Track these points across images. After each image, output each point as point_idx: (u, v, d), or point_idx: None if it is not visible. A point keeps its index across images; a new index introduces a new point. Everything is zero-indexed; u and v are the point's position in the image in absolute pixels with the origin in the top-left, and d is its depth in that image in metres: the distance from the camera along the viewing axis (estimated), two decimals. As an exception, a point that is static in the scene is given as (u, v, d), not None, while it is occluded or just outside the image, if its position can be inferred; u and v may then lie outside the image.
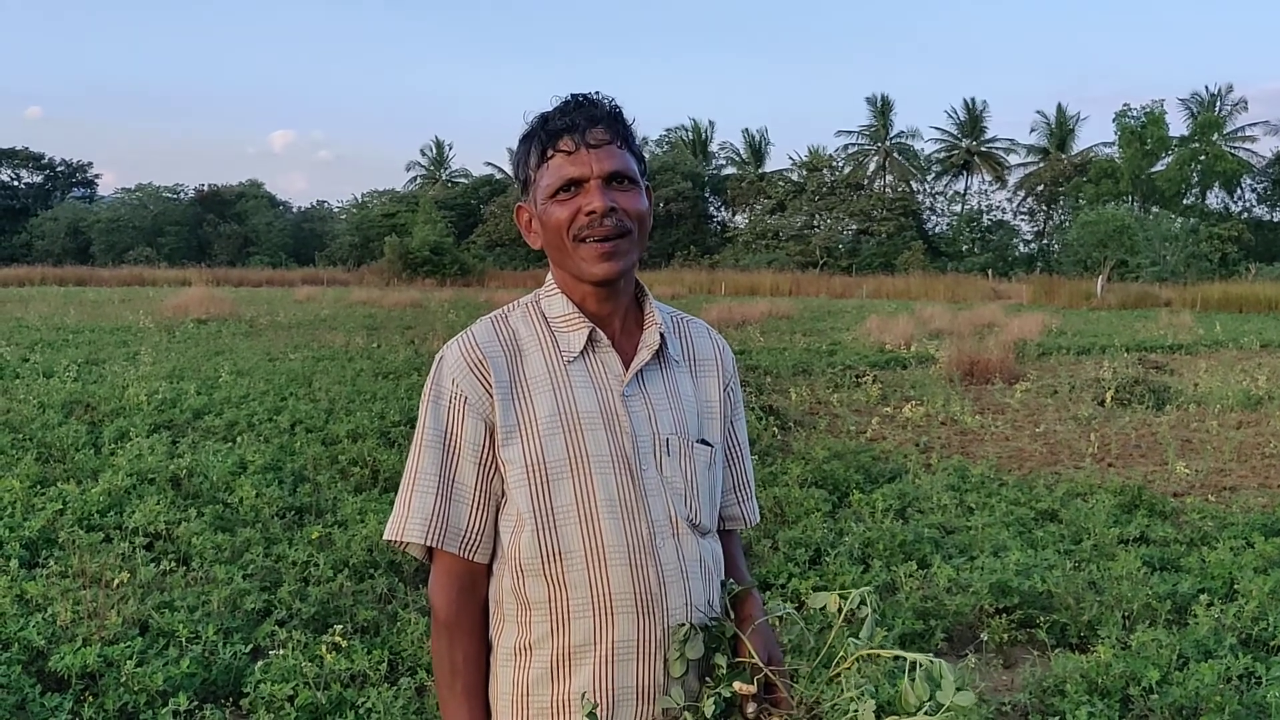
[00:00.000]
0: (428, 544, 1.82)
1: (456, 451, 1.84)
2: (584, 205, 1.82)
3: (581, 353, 1.87)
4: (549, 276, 1.95)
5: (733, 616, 1.88)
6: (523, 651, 1.83)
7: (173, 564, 5.84)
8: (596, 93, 1.90)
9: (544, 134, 1.86)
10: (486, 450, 1.83)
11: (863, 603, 1.73)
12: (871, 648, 1.68)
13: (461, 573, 1.86)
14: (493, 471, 1.84)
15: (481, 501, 1.84)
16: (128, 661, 4.30)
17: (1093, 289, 42.32)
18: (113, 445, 8.98)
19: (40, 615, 4.84)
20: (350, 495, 7.44)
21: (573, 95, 1.89)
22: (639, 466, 1.83)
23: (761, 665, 1.77)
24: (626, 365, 1.89)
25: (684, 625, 1.79)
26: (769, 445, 9.93)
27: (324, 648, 4.40)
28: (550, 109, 1.89)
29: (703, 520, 1.90)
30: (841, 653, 1.70)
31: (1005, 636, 5.27)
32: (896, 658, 1.66)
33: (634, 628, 1.79)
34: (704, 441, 1.94)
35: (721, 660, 1.79)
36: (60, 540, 6.17)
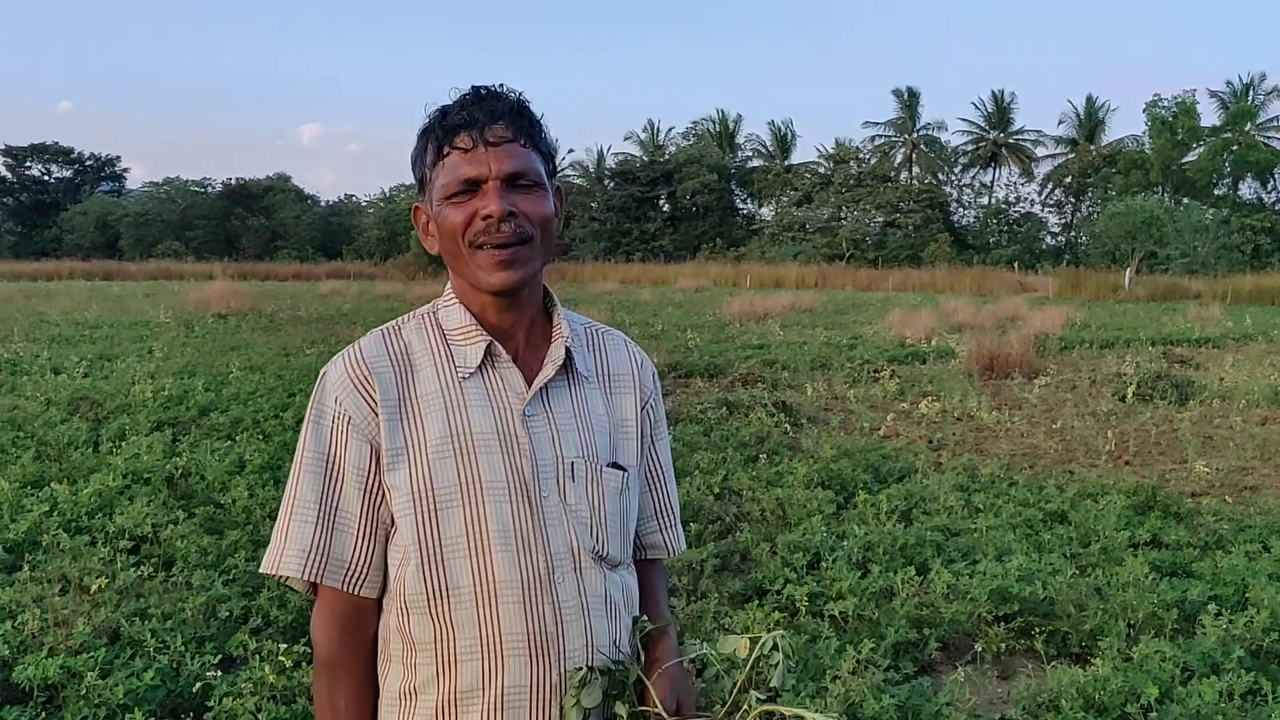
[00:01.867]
0: (306, 578, 1.67)
1: (339, 476, 1.68)
2: (481, 209, 1.66)
3: (479, 368, 1.71)
4: (448, 285, 1.80)
5: (643, 658, 1.72)
6: (408, 696, 1.68)
7: (153, 569, 5.74)
8: (501, 85, 1.74)
9: (440, 130, 1.70)
10: (372, 475, 1.68)
11: (774, 648, 1.57)
12: (770, 703, 1.52)
13: (346, 609, 1.71)
14: (379, 499, 1.69)
15: (367, 531, 1.69)
16: (90, 673, 4.18)
17: (1120, 281, 41.77)
18: (112, 444, 8.90)
19: (10, 623, 4.73)
20: (345, 496, 7.30)
21: (474, 87, 1.73)
22: (539, 493, 1.67)
23: (665, 716, 1.61)
24: (530, 382, 1.73)
25: (581, 669, 1.64)
26: (778, 444, 9.74)
27: (287, 660, 4.27)
28: (450, 102, 1.73)
29: (610, 552, 1.74)
30: (745, 706, 1.54)
31: (1003, 646, 5.09)
32: (799, 716, 1.49)
33: (526, 672, 1.63)
34: (616, 465, 1.78)
35: (622, 710, 1.63)
36: (44, 543, 6.08)
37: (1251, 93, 63.31)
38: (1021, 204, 71.95)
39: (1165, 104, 59.21)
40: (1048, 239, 69.12)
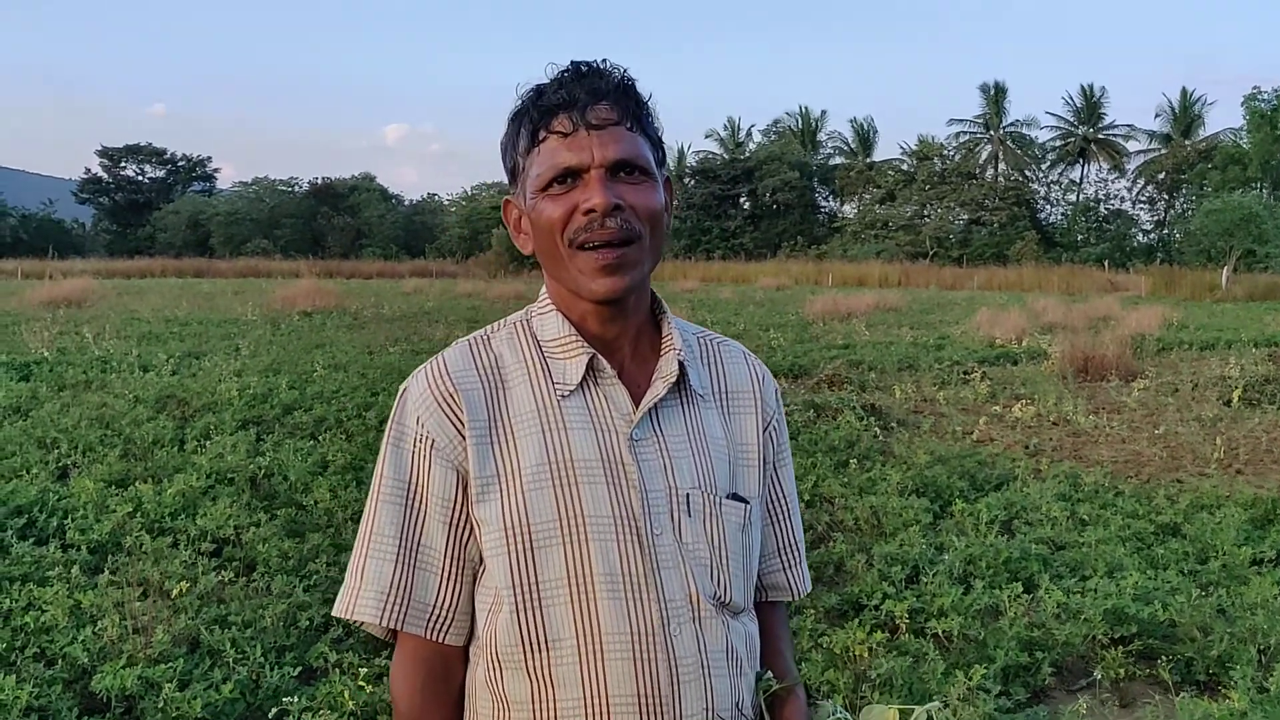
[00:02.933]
0: (385, 624, 1.47)
1: (422, 508, 1.47)
2: (582, 202, 1.43)
3: (580, 385, 1.49)
4: (543, 290, 1.59)
5: (767, 720, 1.49)
6: (499, 761, 1.46)
7: (235, 573, 5.63)
8: (604, 61, 1.51)
9: (535, 111, 1.47)
10: (459, 507, 1.47)
11: None
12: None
13: (430, 658, 1.49)
14: (468, 533, 1.47)
15: (453, 571, 1.48)
16: (168, 684, 4.05)
17: (1217, 280, 40.47)
18: (196, 442, 8.88)
19: (90, 629, 4.64)
20: (427, 499, 7.17)
21: (573, 63, 1.49)
22: (650, 530, 1.44)
23: (796, 793, 1.38)
24: (637, 401, 1.50)
25: (700, 736, 1.41)
26: (869, 448, 9.43)
27: (367, 675, 4.10)
28: (546, 80, 1.51)
29: (734, 597, 1.51)
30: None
31: (1122, 671, 4.75)
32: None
33: None
34: (737, 496, 1.55)
35: (746, 784, 1.41)
36: (126, 545, 6.01)
37: (1356, 85, 61.05)
38: (1111, 201, 70.30)
39: (1265, 97, 57.31)
40: (1139, 236, 67.39)
